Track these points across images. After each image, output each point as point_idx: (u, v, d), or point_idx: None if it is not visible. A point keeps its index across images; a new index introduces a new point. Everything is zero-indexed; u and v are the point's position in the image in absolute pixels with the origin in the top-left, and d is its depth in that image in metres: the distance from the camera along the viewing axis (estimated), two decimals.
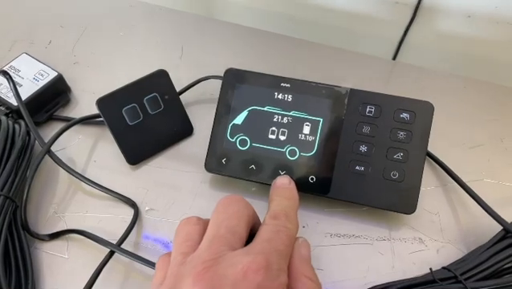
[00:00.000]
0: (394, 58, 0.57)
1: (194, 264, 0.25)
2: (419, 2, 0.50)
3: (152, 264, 0.35)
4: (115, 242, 0.36)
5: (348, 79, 0.41)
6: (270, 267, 0.24)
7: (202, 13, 0.62)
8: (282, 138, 0.38)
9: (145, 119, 0.41)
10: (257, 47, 0.52)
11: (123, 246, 0.37)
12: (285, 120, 0.38)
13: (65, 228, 0.39)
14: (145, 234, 0.39)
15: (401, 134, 0.37)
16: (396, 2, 0.52)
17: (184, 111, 0.43)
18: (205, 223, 0.29)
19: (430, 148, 0.38)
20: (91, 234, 0.36)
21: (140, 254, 0.37)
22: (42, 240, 0.38)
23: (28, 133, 0.41)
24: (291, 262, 0.27)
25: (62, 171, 0.41)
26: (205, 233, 0.27)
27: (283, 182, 0.33)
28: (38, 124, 0.44)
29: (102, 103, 0.39)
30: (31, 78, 0.44)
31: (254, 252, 0.25)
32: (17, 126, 0.41)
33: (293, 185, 0.33)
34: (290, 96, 0.39)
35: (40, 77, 0.45)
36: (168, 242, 0.38)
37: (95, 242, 0.36)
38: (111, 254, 0.35)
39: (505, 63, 0.52)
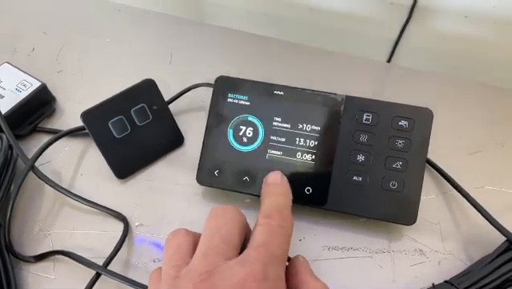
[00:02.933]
0: (389, 60, 0.56)
1: (190, 277, 0.24)
2: (415, 2, 0.49)
3: (140, 286, 0.33)
4: (103, 259, 0.35)
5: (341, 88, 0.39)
6: (267, 277, 0.24)
7: (192, 17, 0.60)
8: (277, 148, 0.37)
9: (133, 131, 0.40)
10: (249, 52, 0.50)
11: (112, 263, 0.35)
12: (279, 129, 0.37)
13: (51, 246, 0.37)
14: (139, 237, 0.37)
15: (400, 142, 0.36)
16: (390, 2, 0.50)
17: (174, 121, 0.42)
18: (194, 235, 0.28)
19: (428, 155, 0.37)
20: (77, 255, 0.35)
21: (130, 272, 0.36)
22: (28, 262, 0.36)
23: (10, 147, 0.39)
24: (302, 281, 0.27)
25: (47, 186, 0.39)
26: (198, 244, 0.27)
27: (275, 178, 0.32)
28: (21, 136, 0.42)
29: (87, 116, 0.38)
30: (13, 89, 0.42)
31: (250, 262, 0.25)
32: None
33: (285, 181, 0.32)
34: (283, 105, 0.37)
35: (23, 87, 0.43)
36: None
37: None
38: (98, 275, 0.34)
39: (505, 63, 0.51)
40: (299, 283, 0.27)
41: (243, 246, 0.27)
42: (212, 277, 0.24)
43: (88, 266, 0.34)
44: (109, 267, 0.35)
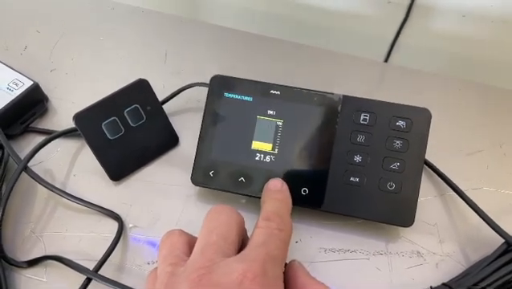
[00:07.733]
0: (386, 60, 0.56)
1: (188, 273, 0.24)
2: (412, 2, 0.48)
3: None
4: (96, 262, 0.34)
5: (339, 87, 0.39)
6: (265, 275, 0.24)
7: (187, 15, 0.59)
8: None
9: (127, 132, 0.39)
10: (244, 51, 0.49)
11: (106, 266, 0.34)
12: (275, 129, 0.36)
13: (43, 249, 0.36)
14: (134, 236, 0.37)
15: (397, 143, 0.35)
16: (388, 1, 0.50)
17: (169, 122, 0.41)
18: (188, 236, 0.28)
19: (426, 155, 0.36)
20: (68, 260, 0.34)
21: (124, 275, 0.35)
22: (20, 267, 0.35)
23: (1, 147, 0.39)
24: (303, 284, 0.26)
25: (39, 187, 0.39)
26: (196, 242, 0.27)
27: (275, 184, 0.32)
28: (13, 136, 0.42)
29: (79, 118, 0.37)
30: (5, 88, 0.42)
31: (249, 259, 0.25)
32: None
33: (285, 188, 0.32)
34: (280, 104, 0.37)
35: (14, 86, 0.42)
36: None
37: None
38: (89, 280, 0.33)
39: (502, 63, 0.51)
40: (301, 287, 0.26)
41: (240, 249, 0.27)
42: (210, 273, 0.24)
43: (79, 271, 0.33)
44: (102, 270, 0.34)
